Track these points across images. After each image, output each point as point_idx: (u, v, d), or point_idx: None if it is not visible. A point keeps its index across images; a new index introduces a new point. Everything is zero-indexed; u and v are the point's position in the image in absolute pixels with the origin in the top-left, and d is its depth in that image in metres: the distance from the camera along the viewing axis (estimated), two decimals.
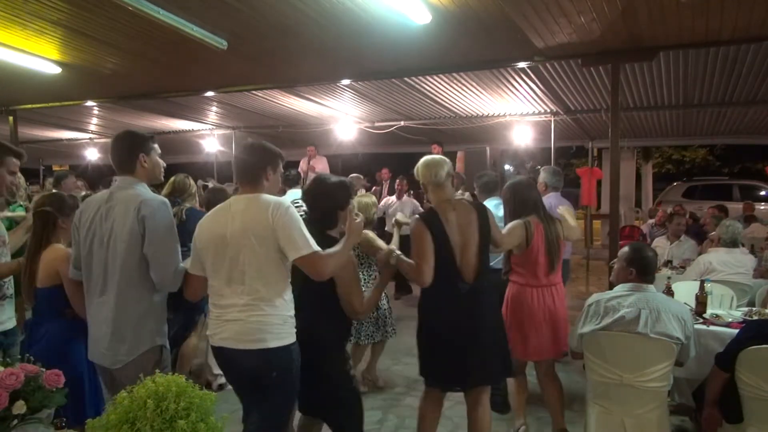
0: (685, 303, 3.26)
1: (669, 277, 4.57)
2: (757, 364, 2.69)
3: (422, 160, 3.04)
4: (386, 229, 7.59)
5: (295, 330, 2.37)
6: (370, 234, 3.84)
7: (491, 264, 3.14)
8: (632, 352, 2.83)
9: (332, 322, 2.61)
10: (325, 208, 2.66)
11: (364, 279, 4.05)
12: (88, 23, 4.59)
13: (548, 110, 8.52)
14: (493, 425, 3.12)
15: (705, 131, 10.94)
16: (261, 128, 10.28)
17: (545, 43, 4.99)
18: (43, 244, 2.75)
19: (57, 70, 5.96)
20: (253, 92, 7.43)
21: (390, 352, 4.78)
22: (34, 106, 8.28)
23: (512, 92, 7.32)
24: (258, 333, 2.26)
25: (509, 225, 3.42)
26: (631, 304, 2.86)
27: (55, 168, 14.40)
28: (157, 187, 3.36)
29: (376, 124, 9.71)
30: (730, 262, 4.67)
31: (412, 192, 9.42)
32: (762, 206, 12.26)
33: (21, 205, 4.73)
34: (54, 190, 5.27)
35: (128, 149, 2.50)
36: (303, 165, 9.40)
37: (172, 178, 4.18)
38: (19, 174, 2.91)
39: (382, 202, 8.16)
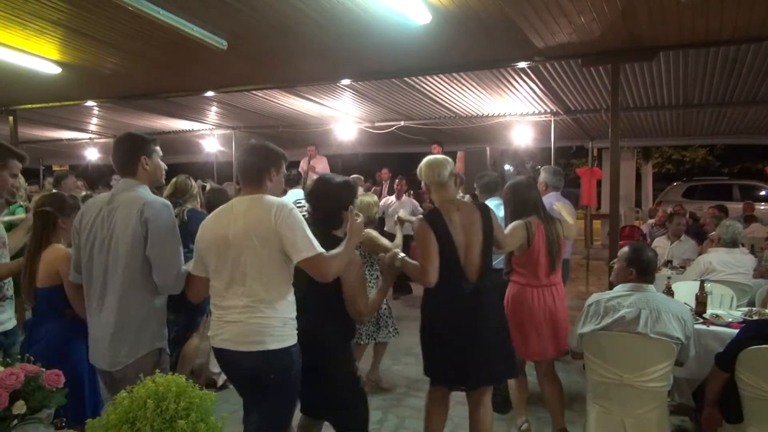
0: (685, 303, 3.26)
1: (669, 277, 4.57)
2: (757, 364, 2.69)
3: (425, 160, 3.04)
4: (386, 229, 7.58)
5: (296, 332, 2.36)
6: (373, 233, 3.85)
7: (493, 264, 3.14)
8: (632, 352, 2.83)
9: (337, 324, 2.61)
10: (330, 208, 2.64)
11: (367, 279, 4.05)
12: (88, 23, 4.59)
13: (548, 110, 8.51)
14: (494, 425, 3.12)
15: (705, 131, 10.93)
16: (261, 128, 10.28)
17: (545, 43, 4.99)
18: (43, 244, 2.75)
19: (57, 70, 5.96)
20: (253, 92, 7.43)
21: (390, 352, 4.79)
22: (34, 106, 8.28)
23: (512, 92, 7.32)
24: (257, 335, 2.26)
25: (511, 226, 3.42)
26: (632, 304, 2.86)
27: (55, 168, 14.40)
28: (158, 188, 3.35)
29: (376, 124, 9.71)
30: (730, 262, 4.67)
31: (412, 192, 9.43)
32: (762, 206, 12.26)
33: (21, 206, 4.73)
34: (54, 190, 5.27)
35: (130, 151, 2.50)
36: (303, 165, 9.40)
37: (174, 179, 4.19)
38: (20, 175, 2.92)
39: (382, 202, 8.16)
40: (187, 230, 3.69)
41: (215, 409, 1.52)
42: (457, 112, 8.73)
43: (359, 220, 2.49)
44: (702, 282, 3.82)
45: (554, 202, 4.42)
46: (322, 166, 9.41)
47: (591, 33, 4.68)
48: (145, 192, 2.47)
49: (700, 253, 5.54)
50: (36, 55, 5.53)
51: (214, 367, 4.41)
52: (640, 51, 5.11)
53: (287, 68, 6.06)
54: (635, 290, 2.92)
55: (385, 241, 3.91)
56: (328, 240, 2.43)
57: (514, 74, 6.41)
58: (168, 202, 2.50)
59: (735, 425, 2.84)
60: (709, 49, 5.22)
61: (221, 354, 2.37)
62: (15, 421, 1.62)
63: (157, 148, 2.57)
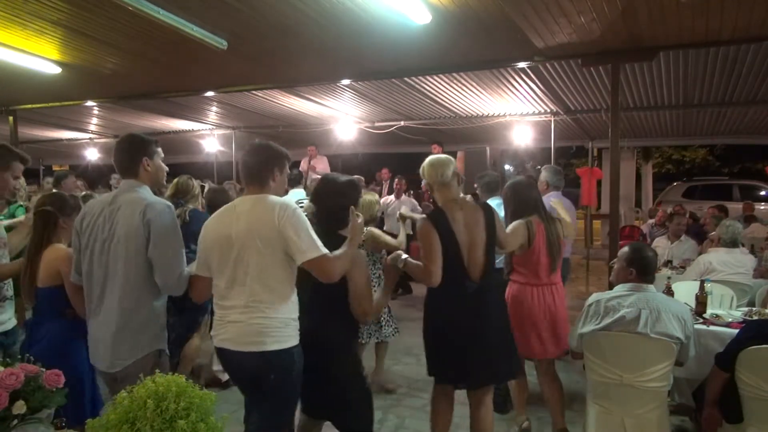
0: (685, 303, 3.26)
1: (669, 277, 4.57)
2: (757, 364, 2.69)
3: (428, 159, 3.04)
4: (385, 228, 7.58)
5: (297, 332, 2.36)
6: (376, 231, 3.84)
7: None
8: (632, 352, 2.83)
9: (341, 324, 2.60)
10: (336, 208, 2.62)
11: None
12: (88, 23, 4.59)
13: (548, 110, 8.51)
14: (494, 425, 3.11)
15: (705, 131, 10.93)
16: (261, 128, 10.29)
17: (545, 43, 4.99)
18: (44, 244, 2.75)
19: (57, 70, 5.96)
20: (253, 92, 7.43)
21: (390, 352, 4.79)
22: (34, 106, 8.28)
23: (512, 92, 7.32)
24: (258, 335, 2.26)
25: (512, 225, 3.43)
26: (632, 304, 2.86)
27: (55, 168, 14.41)
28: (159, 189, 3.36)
29: (376, 124, 9.71)
30: (730, 262, 4.67)
31: (411, 192, 9.43)
32: (762, 206, 12.26)
33: (21, 206, 4.73)
34: (54, 190, 5.27)
35: (132, 152, 2.50)
36: (303, 165, 9.40)
37: (176, 180, 4.19)
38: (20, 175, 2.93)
39: (381, 202, 8.16)
40: (189, 230, 3.69)
41: (215, 409, 1.52)
42: (457, 112, 8.73)
43: (360, 219, 2.49)
44: (702, 282, 3.82)
45: (551, 199, 4.43)
46: (322, 166, 9.41)
47: (591, 33, 4.68)
48: (146, 193, 2.47)
49: (700, 253, 5.54)
50: (36, 55, 5.53)
51: (218, 365, 4.41)
52: (640, 51, 5.11)
53: (287, 68, 6.06)
54: (635, 290, 2.92)
55: (388, 239, 3.92)
56: (334, 240, 2.42)
57: (514, 74, 6.41)
58: (170, 204, 2.49)
59: (735, 425, 2.84)
60: (709, 49, 5.23)
61: (222, 353, 2.37)
62: (15, 421, 1.62)
63: (159, 149, 2.58)
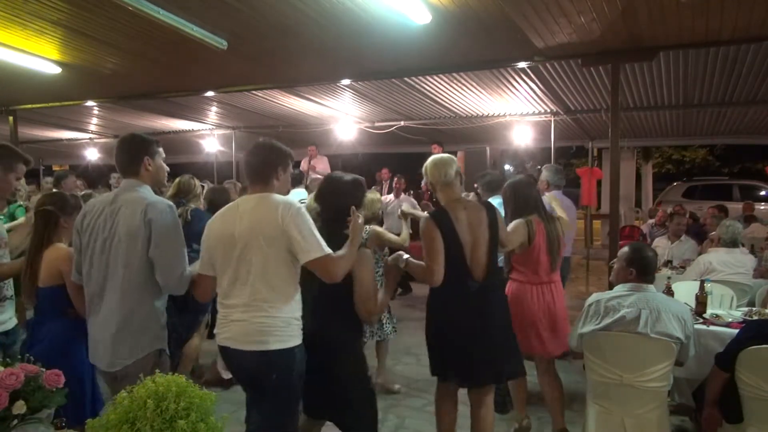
0: (685, 303, 3.26)
1: (669, 277, 4.57)
2: (757, 364, 2.69)
3: (430, 159, 3.05)
4: (384, 227, 7.57)
5: (300, 332, 2.36)
6: (379, 229, 3.85)
7: None
8: (632, 352, 2.83)
9: (346, 324, 2.59)
10: (341, 207, 2.59)
11: None
12: (88, 23, 4.59)
13: (548, 110, 8.51)
14: (494, 425, 3.12)
15: (705, 131, 10.93)
16: (261, 128, 10.29)
17: (545, 43, 4.99)
18: (44, 244, 2.75)
19: (57, 70, 5.96)
20: (253, 92, 7.43)
21: (390, 352, 4.79)
22: (34, 106, 8.28)
23: (512, 92, 7.32)
24: (259, 334, 2.26)
25: (512, 224, 3.44)
26: (632, 304, 2.86)
27: (55, 168, 14.41)
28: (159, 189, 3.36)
29: (376, 124, 9.71)
30: (730, 262, 4.68)
31: (411, 192, 9.43)
32: (762, 206, 12.26)
33: (21, 205, 4.74)
34: (54, 190, 5.27)
35: (133, 152, 2.50)
36: (304, 165, 9.39)
37: (177, 179, 4.19)
38: None
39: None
40: (191, 230, 3.70)
41: (215, 409, 1.52)
42: (457, 112, 8.73)
43: (360, 219, 2.48)
44: (702, 282, 3.82)
45: (546, 194, 4.44)
46: (322, 166, 9.41)
47: (591, 33, 4.68)
48: (147, 193, 2.47)
49: (700, 253, 5.54)
50: (36, 55, 5.53)
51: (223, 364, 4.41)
52: (640, 51, 5.11)
53: (287, 68, 6.06)
54: (635, 290, 2.92)
55: (392, 237, 3.92)
56: (338, 240, 2.41)
57: (514, 74, 6.41)
58: (171, 203, 2.50)
59: (735, 425, 2.84)
60: (709, 49, 5.22)
61: (225, 352, 2.37)
62: (15, 421, 1.62)
63: (160, 149, 2.58)
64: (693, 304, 3.71)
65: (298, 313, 2.36)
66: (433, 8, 4.12)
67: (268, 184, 2.39)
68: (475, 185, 4.86)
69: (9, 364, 1.72)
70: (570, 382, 4.26)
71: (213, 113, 9.57)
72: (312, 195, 3.82)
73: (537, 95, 7.49)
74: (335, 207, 2.62)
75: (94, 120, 10.35)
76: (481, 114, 8.87)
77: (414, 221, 4.06)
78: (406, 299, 7.68)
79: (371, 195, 4.30)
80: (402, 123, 9.41)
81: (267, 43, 5.10)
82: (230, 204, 2.48)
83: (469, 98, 7.74)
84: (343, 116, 9.34)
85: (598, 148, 12.96)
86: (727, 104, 7.89)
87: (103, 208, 2.45)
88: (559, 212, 3.83)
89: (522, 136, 9.47)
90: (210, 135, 11.37)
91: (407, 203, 8.00)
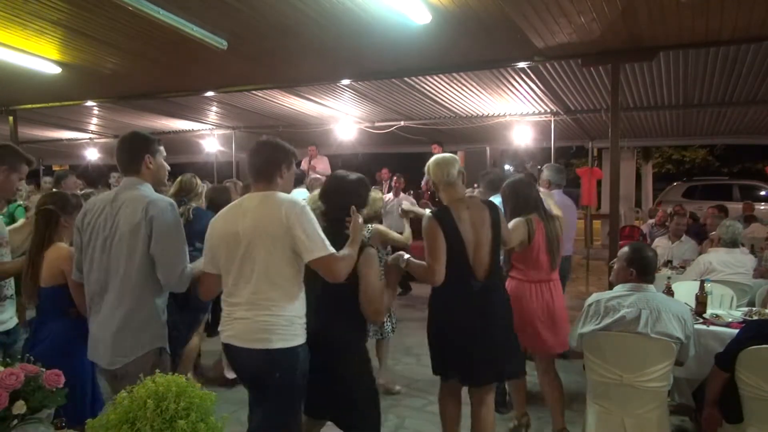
0: (685, 303, 3.26)
1: (669, 277, 4.57)
2: (757, 364, 2.69)
3: (433, 158, 3.05)
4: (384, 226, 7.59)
5: (304, 331, 2.35)
6: (382, 228, 3.85)
7: None
8: (632, 352, 2.83)
9: (349, 324, 2.58)
10: (347, 206, 2.56)
11: None
12: (88, 23, 4.59)
13: (548, 110, 8.51)
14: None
15: (705, 131, 10.94)
16: (261, 128, 10.28)
17: (545, 43, 4.99)
18: (45, 243, 2.75)
19: (57, 70, 5.96)
20: (253, 92, 7.43)
21: (390, 352, 4.79)
22: (34, 106, 8.28)
23: (512, 92, 7.32)
24: (263, 332, 2.26)
25: (512, 222, 3.45)
26: (632, 304, 2.86)
27: (55, 168, 14.42)
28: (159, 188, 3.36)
29: (376, 124, 9.71)
30: (730, 262, 4.67)
31: (411, 192, 9.43)
32: (762, 206, 12.26)
33: (20, 205, 4.73)
34: (54, 190, 5.27)
35: (134, 150, 2.51)
36: (304, 165, 9.40)
37: (179, 178, 4.20)
38: None
39: None
40: (193, 229, 3.71)
41: (215, 409, 1.52)
42: (457, 112, 8.73)
43: (361, 219, 2.48)
44: (702, 282, 3.82)
45: (559, 201, 4.45)
46: (322, 166, 9.41)
47: (591, 33, 4.68)
48: (148, 190, 2.47)
49: (700, 253, 5.54)
50: (36, 55, 5.53)
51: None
52: (640, 51, 5.11)
53: (287, 68, 6.06)
54: (635, 290, 2.92)
55: (395, 235, 3.92)
56: (344, 239, 2.40)
57: (514, 74, 6.41)
58: (172, 201, 2.50)
59: (735, 425, 2.84)
60: (709, 49, 5.23)
61: (229, 349, 2.38)
62: (15, 421, 1.62)
63: (161, 148, 2.58)
64: (693, 304, 3.71)
65: (302, 312, 2.36)
66: (433, 8, 4.12)
67: (271, 182, 2.39)
68: (475, 185, 4.86)
69: (9, 364, 1.73)
70: (570, 382, 4.26)
71: (213, 113, 9.57)
72: (312, 194, 3.82)
73: (537, 95, 7.49)
74: (340, 206, 2.60)
75: (94, 120, 10.35)
76: (481, 114, 8.87)
77: (414, 220, 4.06)
78: (406, 299, 7.68)
79: (373, 194, 4.30)
80: (402, 123, 9.41)
81: (267, 43, 5.10)
82: (234, 202, 2.48)
83: (469, 98, 7.74)
84: (343, 116, 9.34)
85: (598, 148, 12.96)
86: (727, 104, 7.89)
87: (104, 206, 2.45)
88: (555, 210, 3.85)
89: (522, 136, 9.47)
90: (210, 135, 11.37)
91: (406, 202, 8.01)
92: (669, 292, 3.63)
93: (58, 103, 8.12)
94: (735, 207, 10.22)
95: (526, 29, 4.61)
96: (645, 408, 2.85)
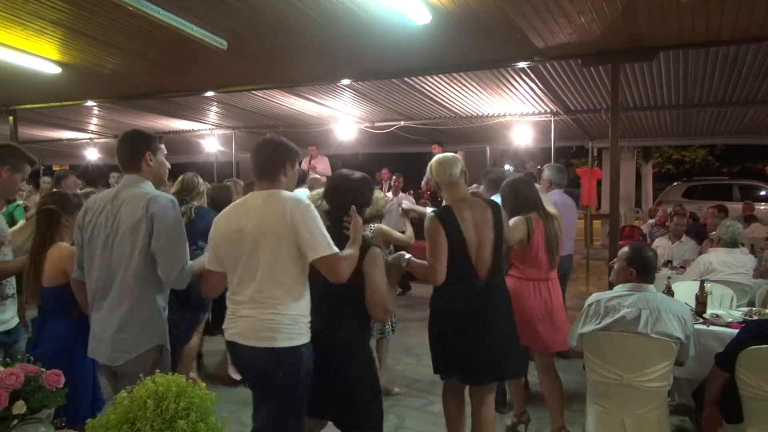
0: (685, 303, 3.26)
1: (669, 277, 4.57)
2: (757, 364, 2.69)
3: (435, 158, 3.05)
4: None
5: (308, 330, 2.35)
6: (385, 227, 3.85)
7: None
8: (632, 352, 2.83)
9: (352, 323, 2.57)
10: (351, 205, 2.54)
11: None
12: (88, 23, 4.59)
13: (548, 110, 8.51)
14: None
15: (705, 131, 10.94)
16: (261, 128, 10.28)
17: (545, 43, 4.99)
18: (47, 243, 2.75)
19: (57, 70, 5.96)
20: (253, 92, 7.43)
21: (390, 352, 4.79)
22: (34, 106, 8.28)
23: (512, 92, 7.32)
24: (267, 331, 2.26)
25: (512, 221, 3.46)
26: (632, 304, 2.86)
27: (55, 168, 14.41)
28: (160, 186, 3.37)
29: (376, 124, 9.71)
30: (730, 262, 4.67)
31: (411, 192, 9.43)
32: (762, 206, 12.27)
33: (19, 205, 4.74)
34: (54, 190, 5.27)
35: (135, 147, 2.51)
36: (304, 165, 9.40)
37: (181, 177, 4.20)
38: None
39: None
40: (195, 227, 3.71)
41: (215, 409, 1.52)
42: (457, 112, 8.73)
43: (359, 219, 2.48)
44: (702, 282, 3.82)
45: (561, 201, 4.46)
46: (323, 166, 9.42)
47: (591, 33, 4.68)
48: (149, 188, 2.48)
49: (700, 253, 5.54)
50: (36, 55, 5.53)
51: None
52: (640, 51, 5.11)
53: (287, 68, 6.06)
54: (635, 290, 2.92)
55: (398, 234, 3.92)
56: (345, 238, 2.39)
57: (514, 74, 6.41)
58: (173, 198, 2.50)
59: (735, 425, 2.84)
60: (709, 49, 5.23)
61: (232, 347, 2.38)
62: (15, 421, 1.62)
63: (162, 146, 2.59)
64: (693, 304, 3.71)
65: (307, 311, 2.36)
66: (433, 8, 4.12)
67: (275, 181, 2.38)
68: (475, 185, 4.86)
69: (9, 364, 1.73)
70: (570, 382, 4.26)
71: (213, 113, 9.57)
72: (311, 193, 3.81)
73: (537, 95, 7.49)
74: (343, 205, 2.58)
75: (94, 120, 10.36)
76: (481, 114, 8.87)
77: (415, 220, 4.06)
78: (406, 299, 7.68)
79: (376, 193, 4.30)
80: (402, 123, 9.41)
81: (267, 43, 5.10)
82: (238, 200, 2.48)
83: (469, 98, 7.74)
84: (343, 116, 9.34)
85: (598, 148, 12.97)
86: (727, 104, 7.89)
87: (105, 204, 2.46)
88: (550, 209, 3.86)
89: (522, 136, 9.47)
90: (210, 135, 11.38)
91: (406, 201, 8.01)
92: (669, 292, 3.63)
93: (58, 103, 8.12)
94: (735, 207, 10.22)
95: (526, 29, 4.61)
96: (645, 408, 2.85)
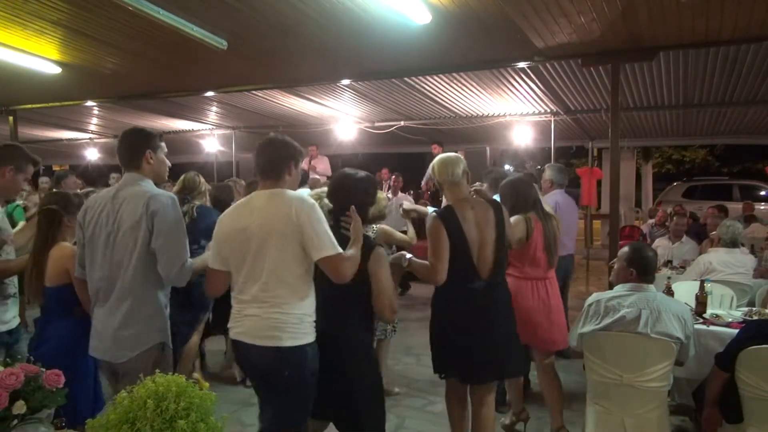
0: (685, 303, 3.26)
1: (669, 277, 4.57)
2: (757, 364, 2.69)
3: (438, 158, 3.06)
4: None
5: (313, 330, 2.35)
6: (387, 228, 3.85)
7: None
8: (632, 352, 2.83)
9: (355, 324, 2.57)
10: (356, 204, 2.52)
11: None
12: (88, 23, 4.59)
13: (548, 110, 8.51)
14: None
15: (705, 131, 10.94)
16: (261, 128, 10.29)
17: (545, 43, 4.99)
18: (49, 243, 2.75)
19: (57, 70, 5.96)
20: (253, 92, 7.43)
21: (390, 352, 4.79)
22: (34, 106, 8.28)
23: (512, 92, 7.32)
24: (272, 330, 2.26)
25: (512, 220, 3.46)
26: (632, 304, 2.86)
27: (55, 168, 14.41)
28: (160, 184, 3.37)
29: (376, 124, 9.71)
30: (730, 262, 4.67)
31: (411, 192, 9.43)
32: (762, 206, 12.27)
33: (18, 205, 4.74)
34: (54, 190, 5.27)
35: (135, 145, 2.52)
36: (305, 165, 9.40)
37: (183, 176, 4.21)
38: None
39: None
40: (198, 227, 3.72)
41: (215, 409, 1.52)
42: (457, 112, 8.73)
43: (358, 219, 2.47)
44: (702, 282, 3.82)
45: (563, 202, 4.46)
46: (323, 166, 9.42)
47: (591, 33, 4.68)
48: (149, 186, 2.48)
49: (700, 253, 5.54)
50: (36, 55, 5.53)
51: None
52: (640, 51, 5.11)
53: (287, 68, 6.06)
54: (635, 290, 2.92)
55: (400, 235, 3.92)
56: (346, 239, 2.39)
57: (514, 74, 6.41)
58: (173, 195, 2.51)
59: (735, 425, 2.84)
60: (709, 49, 5.23)
61: (237, 346, 2.38)
62: (15, 421, 1.62)
63: (162, 144, 2.59)
64: (693, 304, 3.71)
65: (312, 310, 2.35)
66: (433, 8, 4.12)
67: (280, 179, 2.38)
68: (478, 183, 4.86)
69: (9, 364, 1.73)
70: (570, 382, 4.26)
71: (213, 113, 9.57)
72: (312, 192, 3.81)
73: (537, 95, 7.49)
74: (348, 204, 2.56)
75: (94, 120, 10.36)
76: (481, 114, 8.87)
77: (416, 220, 4.07)
78: (406, 299, 7.68)
79: (378, 194, 4.30)
80: (402, 123, 9.41)
81: (267, 43, 5.10)
82: (242, 200, 2.48)
83: (469, 98, 7.74)
84: (343, 116, 9.35)
85: (598, 148, 12.97)
86: (727, 104, 7.90)
87: (105, 202, 2.46)
88: (547, 209, 3.88)
89: (522, 136, 9.48)
90: (210, 135, 11.38)
91: (406, 201, 8.02)
92: (669, 292, 3.63)
93: (58, 103, 8.12)
94: (735, 207, 10.22)
95: (526, 29, 4.61)
96: (645, 408, 2.85)
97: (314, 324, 2.37)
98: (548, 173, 5.12)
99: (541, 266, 3.51)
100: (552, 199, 4.95)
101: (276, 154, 2.40)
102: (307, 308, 2.33)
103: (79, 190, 5.19)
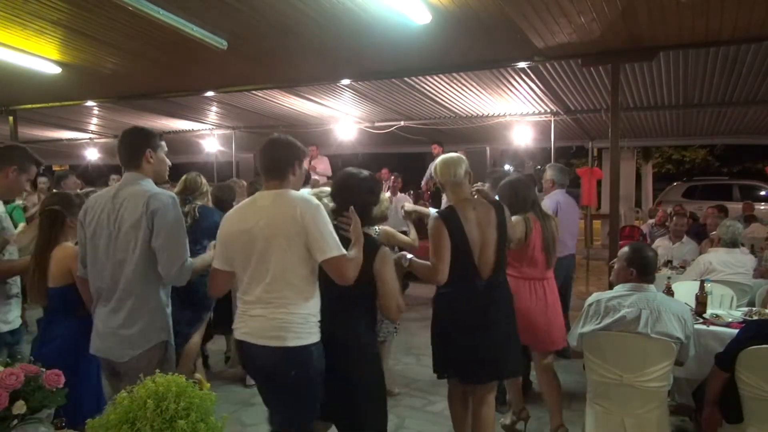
0: (685, 303, 3.26)
1: (669, 277, 4.57)
2: (757, 364, 2.69)
3: (440, 158, 3.07)
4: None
5: (318, 330, 2.35)
6: (390, 229, 3.85)
7: None
8: (632, 352, 2.83)
9: (358, 324, 2.56)
10: (360, 204, 2.52)
11: None
12: (88, 23, 4.59)
13: (548, 110, 8.51)
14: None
15: (705, 131, 10.93)
16: (261, 128, 10.28)
17: (545, 43, 4.99)
18: (51, 244, 2.75)
19: (57, 70, 5.96)
20: (253, 92, 7.42)
21: (390, 352, 4.79)
22: (34, 106, 8.27)
23: (512, 92, 7.32)
24: (277, 330, 2.26)
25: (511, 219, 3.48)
26: (632, 304, 2.87)
27: (55, 168, 14.41)
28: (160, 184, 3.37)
29: (376, 124, 9.70)
30: (730, 262, 4.68)
31: (411, 192, 9.43)
32: (762, 206, 12.27)
33: (18, 205, 4.74)
34: (54, 190, 5.27)
35: (136, 144, 2.52)
36: (305, 165, 9.39)
37: (184, 177, 4.21)
38: None
39: None
40: (200, 227, 3.72)
41: (215, 409, 1.52)
42: (457, 112, 8.73)
43: (357, 220, 2.47)
44: (702, 282, 3.82)
45: (564, 202, 4.47)
46: (323, 166, 9.42)
47: (591, 33, 4.68)
48: (149, 185, 2.48)
49: (700, 253, 5.55)
50: (36, 55, 5.53)
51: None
52: (640, 51, 5.11)
53: (287, 68, 6.05)
54: (635, 290, 2.92)
55: (402, 236, 3.92)
56: (347, 239, 2.39)
57: (514, 74, 6.41)
58: (173, 194, 2.51)
59: (735, 425, 2.84)
60: (709, 49, 5.22)
61: (242, 346, 2.38)
62: (15, 421, 1.62)
63: (163, 143, 2.60)
64: (693, 304, 3.71)
65: (317, 310, 2.35)
66: (433, 8, 4.12)
67: (284, 179, 2.37)
68: (480, 183, 4.86)
69: (9, 364, 1.73)
70: (570, 382, 4.26)
71: (213, 113, 9.57)
72: (311, 191, 3.81)
73: (537, 95, 7.49)
74: (352, 204, 2.53)
75: (94, 120, 10.35)
76: (481, 114, 8.86)
77: (417, 220, 4.06)
78: (405, 299, 7.66)
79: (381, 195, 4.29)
80: (402, 123, 9.40)
81: (267, 43, 5.10)
82: (246, 200, 2.48)
83: (469, 98, 7.73)
84: (343, 116, 9.34)
85: (598, 148, 12.96)
86: (727, 104, 7.89)
87: (106, 202, 2.46)
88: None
89: (522, 136, 9.47)
90: (210, 135, 11.37)
91: (406, 202, 8.01)
92: (669, 292, 3.63)
93: (58, 103, 8.11)
94: (735, 207, 10.23)
95: (526, 29, 4.61)
96: (645, 408, 2.85)
97: (319, 324, 2.36)
98: (550, 173, 5.14)
99: (539, 266, 3.52)
100: (553, 199, 4.95)
101: (280, 154, 2.40)
102: (312, 308, 2.33)
103: (79, 190, 5.19)
